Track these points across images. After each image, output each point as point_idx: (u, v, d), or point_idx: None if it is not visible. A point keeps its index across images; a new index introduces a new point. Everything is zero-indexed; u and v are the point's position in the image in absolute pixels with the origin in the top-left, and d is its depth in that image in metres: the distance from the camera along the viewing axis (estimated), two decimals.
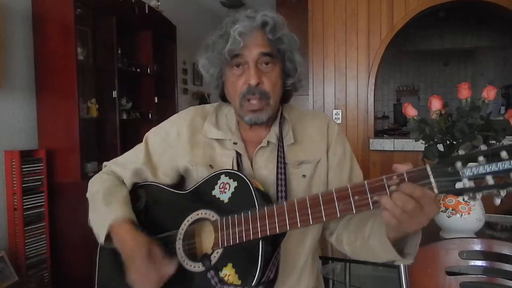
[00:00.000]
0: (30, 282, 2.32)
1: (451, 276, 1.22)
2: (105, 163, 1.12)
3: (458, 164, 0.67)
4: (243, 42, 0.89)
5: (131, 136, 3.44)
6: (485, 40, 6.15)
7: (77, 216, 2.57)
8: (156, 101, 3.65)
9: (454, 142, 1.50)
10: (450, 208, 1.58)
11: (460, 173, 0.66)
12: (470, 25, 5.97)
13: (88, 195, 1.06)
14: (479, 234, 1.61)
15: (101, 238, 0.95)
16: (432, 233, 1.65)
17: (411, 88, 7.73)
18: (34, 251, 2.47)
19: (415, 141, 1.58)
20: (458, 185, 0.67)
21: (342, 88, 3.71)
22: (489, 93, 1.51)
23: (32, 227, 2.47)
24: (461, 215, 1.56)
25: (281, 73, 0.96)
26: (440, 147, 1.55)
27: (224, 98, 1.02)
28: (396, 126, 6.83)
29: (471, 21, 5.87)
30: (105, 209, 0.96)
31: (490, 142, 1.46)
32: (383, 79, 7.51)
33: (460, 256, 1.21)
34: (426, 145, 1.57)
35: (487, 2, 3.40)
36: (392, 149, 3.42)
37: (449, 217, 1.58)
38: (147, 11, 3.48)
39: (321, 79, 3.74)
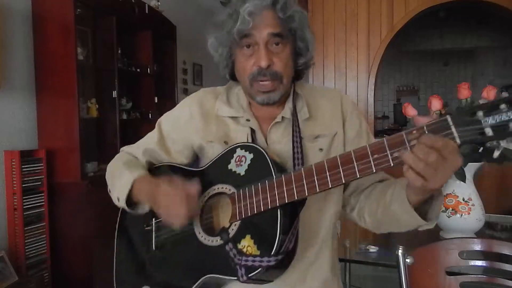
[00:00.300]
0: (30, 282, 2.32)
1: (451, 276, 1.22)
2: (122, 148, 1.14)
3: (480, 113, 0.64)
4: (253, 22, 0.87)
5: (131, 136, 3.43)
6: (485, 40, 6.16)
7: (77, 216, 2.57)
8: (156, 101, 3.65)
9: None
10: (450, 208, 1.59)
11: (482, 121, 0.64)
12: (470, 25, 5.97)
13: (106, 175, 1.08)
14: (479, 234, 1.61)
15: (122, 197, 0.96)
16: (432, 233, 1.65)
17: (411, 88, 7.74)
18: (34, 251, 2.47)
19: None
20: (481, 134, 0.65)
21: (342, 88, 3.71)
22: (489, 93, 1.51)
23: (32, 227, 2.47)
24: (461, 215, 1.57)
25: (292, 52, 0.94)
26: None
27: (233, 77, 1.02)
28: (396, 126, 6.83)
29: (471, 21, 5.88)
30: (127, 172, 0.98)
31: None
32: (383, 79, 7.51)
33: (460, 256, 1.21)
34: None
35: (487, 2, 3.40)
36: None
37: (449, 217, 1.59)
38: (147, 11, 3.48)
39: (321, 79, 3.74)
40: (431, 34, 6.32)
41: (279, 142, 0.96)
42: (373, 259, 1.57)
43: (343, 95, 1.04)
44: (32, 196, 2.48)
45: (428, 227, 0.82)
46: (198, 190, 0.85)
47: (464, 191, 1.59)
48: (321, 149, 0.96)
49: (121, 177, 0.99)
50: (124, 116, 3.32)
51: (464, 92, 1.52)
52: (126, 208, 0.98)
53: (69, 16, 2.56)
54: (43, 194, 2.54)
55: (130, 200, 0.98)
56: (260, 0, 0.88)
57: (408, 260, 1.16)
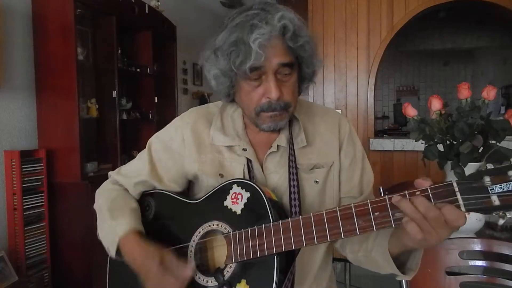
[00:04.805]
0: (30, 282, 2.33)
1: (451, 276, 1.22)
2: (110, 172, 1.07)
3: (487, 179, 0.62)
4: (264, 54, 0.80)
5: (131, 136, 3.44)
6: (485, 40, 6.15)
7: (77, 216, 2.57)
8: (156, 101, 3.64)
9: (454, 142, 1.50)
10: None
11: (489, 189, 0.61)
12: (470, 25, 5.97)
13: (95, 206, 1.03)
14: (479, 234, 1.61)
15: (111, 253, 0.91)
16: None
17: (411, 88, 7.74)
18: (34, 251, 2.47)
19: (415, 141, 1.58)
20: (487, 203, 0.62)
21: (342, 88, 3.71)
22: (489, 93, 1.51)
23: (32, 227, 2.47)
24: None
25: (298, 78, 0.90)
26: (440, 147, 1.55)
27: (231, 100, 0.96)
28: (396, 126, 6.83)
29: (471, 21, 5.88)
30: (112, 222, 0.93)
31: (490, 142, 1.46)
32: (383, 79, 7.51)
33: (460, 256, 1.21)
34: (426, 145, 1.57)
35: (487, 2, 3.40)
36: (392, 149, 3.42)
37: None
38: (147, 11, 3.48)
39: (321, 79, 3.74)
40: (431, 34, 6.31)
41: (276, 172, 0.93)
42: None
43: (341, 119, 1.00)
44: (32, 196, 2.48)
45: (407, 278, 0.81)
46: (191, 276, 0.82)
47: None
48: (316, 181, 0.94)
49: (108, 227, 0.93)
50: (124, 116, 3.32)
51: (464, 92, 1.52)
52: (118, 259, 0.92)
53: (69, 16, 2.56)
54: (43, 194, 2.54)
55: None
56: (268, 28, 0.80)
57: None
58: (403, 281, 1.23)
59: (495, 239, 1.52)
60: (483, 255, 1.25)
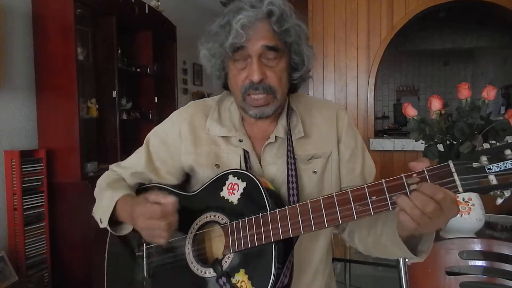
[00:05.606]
0: (30, 282, 2.33)
1: (451, 276, 1.22)
2: (110, 166, 1.10)
3: (483, 159, 0.62)
4: (246, 35, 0.82)
5: (131, 136, 3.44)
6: (485, 40, 6.15)
7: (77, 216, 2.57)
8: (156, 101, 3.65)
9: (454, 142, 1.50)
10: None
11: (486, 169, 0.61)
12: (470, 25, 5.97)
13: (95, 193, 1.06)
14: (479, 234, 1.61)
15: (104, 223, 0.94)
16: None
17: (411, 88, 7.74)
18: (34, 251, 2.47)
19: (415, 141, 1.58)
20: (484, 182, 0.62)
21: (342, 88, 3.71)
22: (489, 93, 1.51)
23: (32, 227, 2.47)
24: (461, 215, 1.57)
25: (287, 66, 0.90)
26: (440, 147, 1.55)
27: (227, 87, 0.97)
28: (396, 126, 6.83)
29: (471, 21, 5.88)
30: (110, 192, 0.96)
31: (491, 142, 1.46)
32: (383, 79, 7.51)
33: (460, 256, 1.22)
34: (426, 145, 1.57)
35: (487, 2, 3.40)
36: (392, 149, 3.42)
37: None
38: (147, 11, 3.48)
39: (321, 79, 3.74)
40: (431, 34, 6.31)
41: (273, 163, 0.93)
42: (373, 259, 1.57)
43: (339, 111, 1.00)
44: (32, 196, 2.48)
45: (418, 260, 0.81)
46: (172, 202, 0.81)
47: None
48: (315, 172, 0.93)
49: (103, 199, 0.97)
50: (124, 116, 3.32)
51: (464, 92, 1.52)
52: (108, 229, 0.95)
53: (69, 16, 2.56)
54: (43, 194, 2.54)
55: (115, 222, 0.96)
56: (254, 11, 0.83)
57: (408, 260, 1.16)
58: (404, 281, 1.23)
59: (495, 239, 1.52)
60: (483, 255, 1.25)
